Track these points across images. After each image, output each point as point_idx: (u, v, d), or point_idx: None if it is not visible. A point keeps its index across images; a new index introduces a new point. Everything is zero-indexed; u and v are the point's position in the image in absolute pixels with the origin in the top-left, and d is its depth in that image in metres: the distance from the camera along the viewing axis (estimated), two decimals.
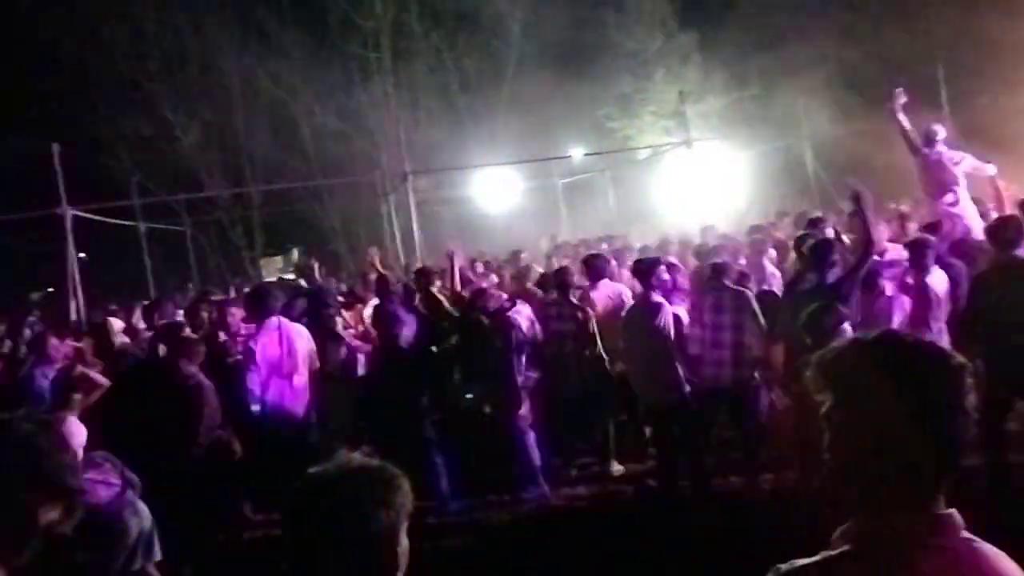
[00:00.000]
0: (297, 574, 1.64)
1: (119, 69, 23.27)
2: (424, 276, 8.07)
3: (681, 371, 5.95)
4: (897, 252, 7.12)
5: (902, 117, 7.56)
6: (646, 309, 6.07)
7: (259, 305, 6.30)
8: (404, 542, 1.66)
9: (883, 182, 11.77)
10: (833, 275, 5.67)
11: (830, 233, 7.10)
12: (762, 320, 6.03)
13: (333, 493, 1.62)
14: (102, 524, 4.40)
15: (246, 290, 9.78)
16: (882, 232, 8.28)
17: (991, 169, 7.71)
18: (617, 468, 6.99)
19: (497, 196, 20.14)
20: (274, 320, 6.20)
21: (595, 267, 7.45)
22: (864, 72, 18.30)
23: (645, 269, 6.27)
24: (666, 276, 6.35)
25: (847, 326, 4.65)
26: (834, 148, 17.45)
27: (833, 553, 1.43)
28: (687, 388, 5.95)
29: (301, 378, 6.14)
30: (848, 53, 19.09)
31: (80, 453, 4.77)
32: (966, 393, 1.40)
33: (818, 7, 19.66)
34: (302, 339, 6.26)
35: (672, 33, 23.04)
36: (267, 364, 5.99)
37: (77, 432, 4.93)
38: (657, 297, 6.12)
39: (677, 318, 6.17)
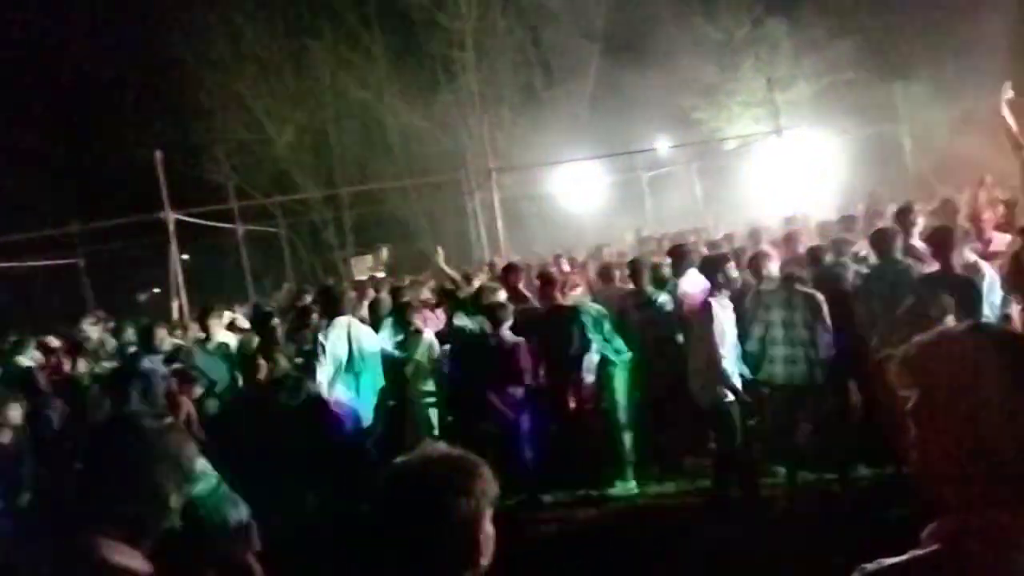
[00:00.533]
0: (380, 561, 1.68)
1: (218, 76, 24.26)
2: (511, 272, 8.09)
3: (728, 372, 5.77)
4: (1003, 241, 6.78)
5: (1006, 113, 6.96)
6: (702, 308, 5.94)
7: (329, 304, 6.52)
8: (488, 529, 1.69)
9: (985, 168, 11.24)
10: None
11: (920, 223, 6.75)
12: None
13: (415, 481, 1.66)
14: (203, 514, 4.65)
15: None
16: (988, 220, 7.89)
17: None
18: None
19: (581, 191, 20.08)
20: (343, 319, 6.38)
21: (681, 258, 7.33)
22: (967, 51, 17.44)
23: (710, 266, 6.10)
24: (734, 273, 6.11)
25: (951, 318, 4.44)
26: (933, 133, 16.72)
27: (922, 552, 1.37)
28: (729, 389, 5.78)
29: (369, 377, 6.34)
30: (950, 32, 18.22)
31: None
32: None
33: None
34: (371, 340, 6.39)
35: (760, 20, 22.46)
36: (334, 360, 6.22)
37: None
38: (709, 296, 5.94)
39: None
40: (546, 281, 7.28)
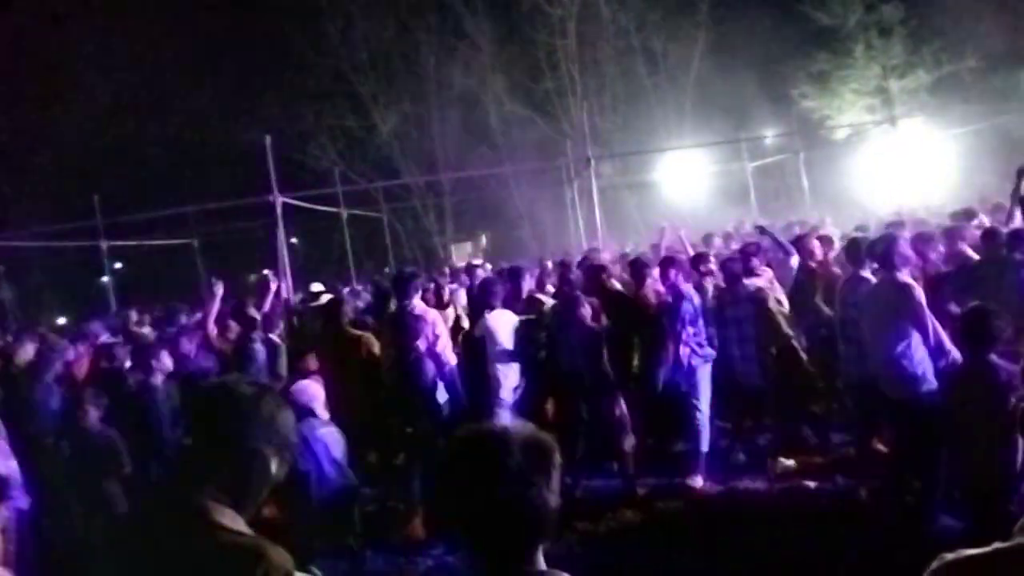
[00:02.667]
0: (449, 530, 1.70)
1: (327, 63, 24.98)
2: (600, 270, 8.05)
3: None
4: None
5: None
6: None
7: (402, 287, 6.66)
8: (553, 502, 1.67)
9: None
10: None
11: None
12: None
13: (484, 454, 1.66)
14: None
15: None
16: None
17: None
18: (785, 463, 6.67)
19: (683, 180, 19.74)
20: (413, 302, 6.52)
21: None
22: None
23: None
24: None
25: None
26: None
27: (1005, 545, 1.34)
28: None
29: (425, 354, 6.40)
30: None
31: (320, 409, 5.30)
32: None
33: None
34: (426, 322, 6.43)
35: (873, 4, 21.48)
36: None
37: (312, 391, 5.45)
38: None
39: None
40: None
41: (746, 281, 6.89)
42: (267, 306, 7.89)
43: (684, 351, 6.57)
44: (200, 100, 23.55)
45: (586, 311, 6.57)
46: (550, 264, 11.17)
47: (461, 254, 26.54)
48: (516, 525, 1.64)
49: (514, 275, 8.09)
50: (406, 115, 26.12)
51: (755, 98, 21.35)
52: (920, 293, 5.11)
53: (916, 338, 5.04)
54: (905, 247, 5.50)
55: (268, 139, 12.78)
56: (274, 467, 1.88)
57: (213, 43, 22.98)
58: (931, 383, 4.98)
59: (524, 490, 1.62)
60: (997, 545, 1.36)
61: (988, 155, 16.44)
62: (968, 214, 9.25)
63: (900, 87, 21.55)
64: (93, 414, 5.54)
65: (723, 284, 7.03)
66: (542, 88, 24.98)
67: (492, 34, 25.22)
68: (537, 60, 24.98)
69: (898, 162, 16.46)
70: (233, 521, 1.77)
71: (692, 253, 8.44)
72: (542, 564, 1.68)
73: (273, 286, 8.25)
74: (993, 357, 4.14)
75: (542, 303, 7.43)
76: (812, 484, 6.31)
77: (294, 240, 19.80)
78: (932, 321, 5.03)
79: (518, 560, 1.66)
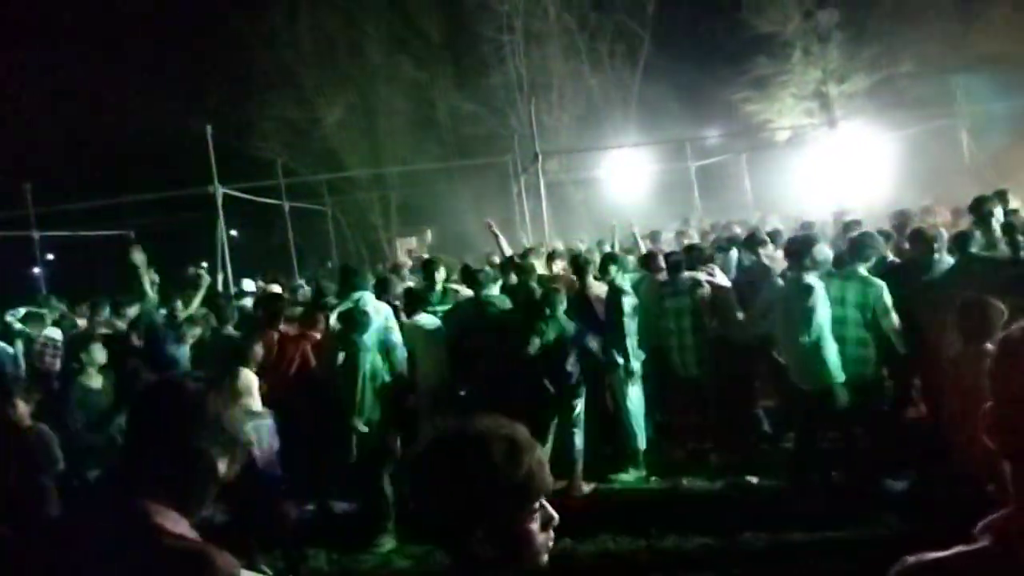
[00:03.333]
0: (420, 528, 1.62)
1: (270, 53, 24.47)
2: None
3: None
4: None
5: None
6: None
7: (347, 280, 6.81)
8: (535, 527, 1.55)
9: None
10: None
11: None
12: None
13: (467, 449, 1.55)
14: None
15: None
16: None
17: None
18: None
19: (629, 178, 19.91)
20: (359, 295, 6.45)
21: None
22: None
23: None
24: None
25: None
26: (993, 127, 16.23)
27: (969, 548, 1.33)
28: None
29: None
30: (1011, 24, 17.67)
31: (256, 403, 5.17)
32: None
33: None
34: (379, 316, 6.43)
35: (810, 12, 21.96)
36: None
37: (253, 382, 5.32)
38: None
39: None
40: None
41: (686, 274, 7.00)
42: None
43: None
44: (139, 88, 22.86)
45: None
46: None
47: (406, 249, 26.34)
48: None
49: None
50: (352, 107, 25.78)
51: (699, 100, 21.64)
52: (819, 294, 5.55)
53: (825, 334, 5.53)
54: (821, 250, 5.84)
55: (209, 129, 12.48)
56: (221, 467, 1.79)
57: (154, 30, 22.36)
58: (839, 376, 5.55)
59: (503, 488, 1.53)
60: (959, 547, 1.35)
61: (923, 157, 16.97)
62: (904, 215, 9.53)
63: (838, 91, 22.07)
64: (23, 409, 5.30)
65: (666, 276, 7.18)
66: (489, 83, 24.93)
67: (440, 27, 25.05)
68: (484, 55, 24.91)
69: (837, 164, 16.84)
70: (176, 524, 1.67)
71: (643, 250, 8.57)
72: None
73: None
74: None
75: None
76: (755, 480, 6.40)
77: (234, 232, 19.37)
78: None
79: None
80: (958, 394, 4.26)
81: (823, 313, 5.57)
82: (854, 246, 5.98)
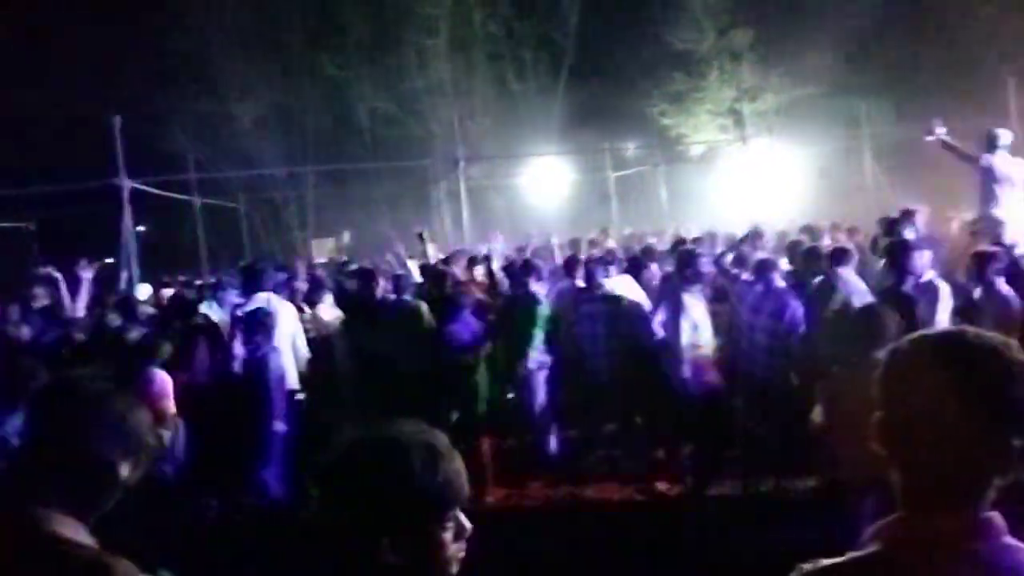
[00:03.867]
0: (331, 543, 1.56)
1: (185, 43, 23.68)
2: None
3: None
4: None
5: (946, 139, 7.18)
6: None
7: (250, 280, 6.61)
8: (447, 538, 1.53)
9: (946, 188, 11.48)
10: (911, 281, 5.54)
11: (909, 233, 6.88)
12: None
13: (384, 455, 1.50)
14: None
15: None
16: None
17: None
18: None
19: (549, 185, 20.12)
20: (263, 296, 6.35)
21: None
22: (929, 72, 17.84)
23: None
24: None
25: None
26: (895, 151, 17.06)
27: (860, 554, 1.38)
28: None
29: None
30: (913, 52, 18.61)
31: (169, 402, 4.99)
32: (1020, 392, 1.30)
33: (883, 5, 19.18)
34: (285, 317, 6.36)
35: (725, 31, 22.65)
36: None
37: (166, 383, 5.14)
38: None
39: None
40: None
41: (603, 281, 7.11)
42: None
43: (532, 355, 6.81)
44: (45, 75, 21.80)
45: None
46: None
47: (322, 250, 25.91)
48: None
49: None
50: (269, 104, 25.24)
51: (619, 111, 22.02)
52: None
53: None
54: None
55: (118, 120, 12.01)
56: (124, 472, 1.70)
57: (62, 15, 21.35)
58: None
59: (419, 496, 1.51)
60: (853, 553, 1.40)
61: (830, 176, 17.72)
62: (811, 230, 9.92)
63: (751, 109, 22.80)
64: None
65: (584, 283, 7.27)
66: (412, 86, 24.80)
67: (362, 27, 24.79)
68: (407, 58, 24.76)
69: (749, 179, 17.42)
70: (75, 532, 1.59)
71: (560, 259, 8.67)
72: None
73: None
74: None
75: None
76: (664, 487, 6.51)
77: (141, 228, 18.68)
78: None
79: None
80: (849, 403, 4.40)
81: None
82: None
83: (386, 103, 24.70)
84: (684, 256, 6.47)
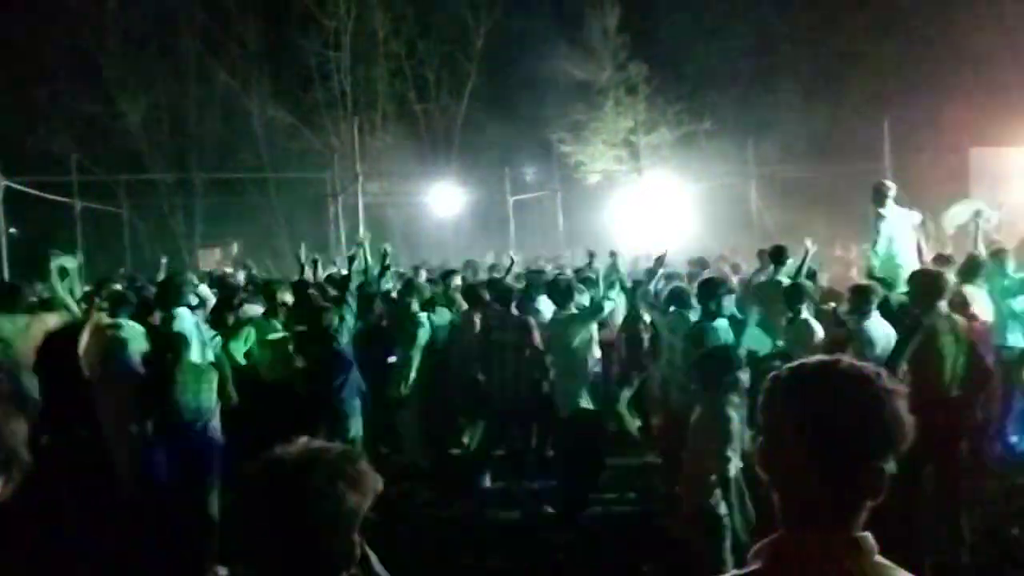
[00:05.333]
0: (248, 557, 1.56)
1: (71, 40, 22.52)
2: None
3: None
4: None
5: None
6: None
7: (165, 297, 6.10)
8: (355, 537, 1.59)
9: (830, 224, 12.13)
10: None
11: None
12: None
13: (305, 471, 1.52)
14: None
15: None
16: None
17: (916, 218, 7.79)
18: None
19: (448, 205, 20.12)
20: (183, 311, 6.06)
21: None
22: (812, 118, 18.89)
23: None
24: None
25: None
26: (779, 189, 17.94)
27: (742, 572, 1.44)
28: None
29: None
30: (800, 93, 19.67)
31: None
32: (890, 418, 1.38)
33: (769, 50, 20.25)
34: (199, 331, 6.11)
35: (622, 65, 23.35)
36: None
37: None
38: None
39: None
40: None
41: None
42: None
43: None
44: None
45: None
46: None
47: (208, 260, 25.02)
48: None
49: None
50: (159, 107, 24.30)
51: (520, 136, 22.30)
52: None
53: None
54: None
55: None
56: None
57: None
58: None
59: (336, 507, 1.50)
60: (734, 571, 1.46)
61: (719, 209, 18.45)
62: (702, 263, 10.25)
63: (645, 142, 23.51)
64: None
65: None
66: (310, 98, 24.40)
67: (260, 35, 24.27)
68: (308, 69, 24.37)
69: (643, 210, 17.92)
70: None
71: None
72: None
73: None
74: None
75: None
76: (549, 509, 6.53)
77: (13, 230, 17.60)
78: None
79: None
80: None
81: None
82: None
83: (284, 114, 24.19)
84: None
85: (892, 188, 7.57)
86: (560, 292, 6.71)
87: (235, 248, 25.49)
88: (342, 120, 23.56)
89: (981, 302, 6.78)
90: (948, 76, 16.89)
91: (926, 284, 5.22)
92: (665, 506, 5.73)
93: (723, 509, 4.14)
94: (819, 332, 5.99)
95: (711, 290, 5.98)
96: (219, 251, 26.26)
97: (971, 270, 7.02)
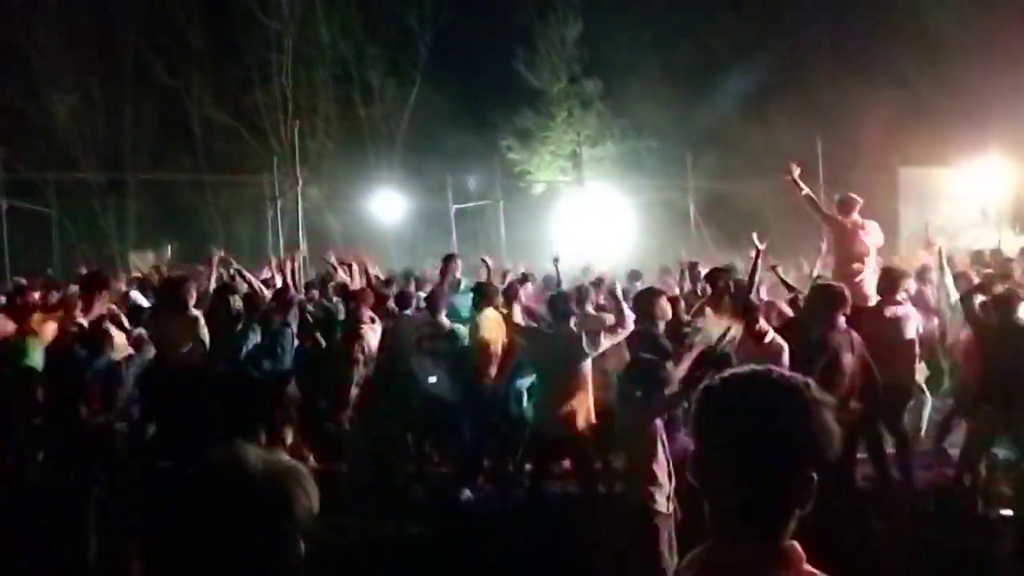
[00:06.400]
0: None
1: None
2: None
3: None
4: None
5: (802, 185, 7.59)
6: None
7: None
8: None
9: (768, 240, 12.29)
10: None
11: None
12: None
13: (262, 480, 1.52)
14: None
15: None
16: None
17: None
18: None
19: (389, 212, 19.97)
20: None
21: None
22: (748, 136, 19.32)
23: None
24: None
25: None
26: (716, 204, 18.28)
27: None
28: None
29: None
30: (735, 115, 20.10)
31: None
32: (818, 427, 1.38)
33: (711, 70, 20.68)
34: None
35: (575, 78, 23.58)
36: None
37: None
38: None
39: None
40: None
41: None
42: None
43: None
44: None
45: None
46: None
47: (142, 263, 24.35)
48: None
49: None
50: (92, 103, 23.58)
51: (465, 143, 22.29)
52: None
53: None
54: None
55: None
56: None
57: None
58: None
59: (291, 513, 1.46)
60: None
61: (658, 222, 18.71)
62: (635, 275, 10.38)
63: (590, 155, 23.76)
64: None
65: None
66: (251, 99, 24.00)
67: (201, 33, 23.79)
68: (248, 70, 23.97)
69: (585, 221, 18.07)
70: None
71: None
72: None
73: None
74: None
75: None
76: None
77: None
78: None
79: None
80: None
81: None
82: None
83: (223, 114, 23.74)
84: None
85: (858, 201, 7.69)
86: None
87: (169, 250, 24.88)
88: (283, 123, 23.24)
89: None
90: (878, 96, 17.45)
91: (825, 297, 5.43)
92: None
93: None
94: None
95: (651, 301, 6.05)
96: (151, 254, 25.62)
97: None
